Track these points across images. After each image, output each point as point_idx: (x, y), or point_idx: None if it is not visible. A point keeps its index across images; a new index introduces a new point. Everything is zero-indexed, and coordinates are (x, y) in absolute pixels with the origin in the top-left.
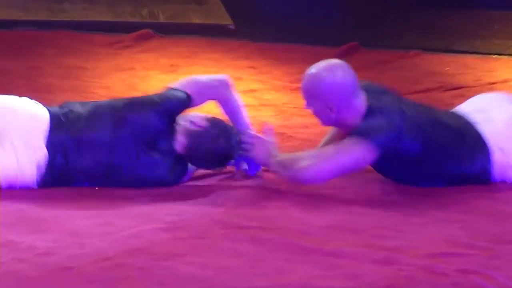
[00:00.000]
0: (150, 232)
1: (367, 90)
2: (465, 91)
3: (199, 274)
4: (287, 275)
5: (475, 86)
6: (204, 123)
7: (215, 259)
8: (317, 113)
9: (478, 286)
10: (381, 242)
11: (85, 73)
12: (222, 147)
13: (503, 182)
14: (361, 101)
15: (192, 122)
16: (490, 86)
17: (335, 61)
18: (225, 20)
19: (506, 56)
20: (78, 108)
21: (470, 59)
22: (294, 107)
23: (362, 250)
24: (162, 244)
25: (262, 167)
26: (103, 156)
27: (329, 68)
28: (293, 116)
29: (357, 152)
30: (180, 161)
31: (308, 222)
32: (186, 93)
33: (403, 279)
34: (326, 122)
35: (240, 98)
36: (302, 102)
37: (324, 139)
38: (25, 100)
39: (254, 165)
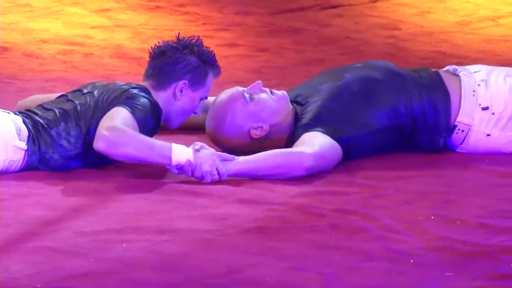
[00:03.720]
0: None
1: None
2: (344, 10)
3: (45, 215)
4: (144, 217)
5: (355, 5)
6: None
7: (66, 200)
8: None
9: (358, 227)
10: (248, 180)
11: None
12: None
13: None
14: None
15: None
16: (371, 5)
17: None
18: None
19: None
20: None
21: None
22: (152, 28)
23: (227, 188)
24: (9, 185)
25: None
26: None
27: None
28: (151, 39)
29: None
30: None
31: None
32: None
33: (275, 220)
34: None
35: None
36: (161, 22)
37: None
38: None
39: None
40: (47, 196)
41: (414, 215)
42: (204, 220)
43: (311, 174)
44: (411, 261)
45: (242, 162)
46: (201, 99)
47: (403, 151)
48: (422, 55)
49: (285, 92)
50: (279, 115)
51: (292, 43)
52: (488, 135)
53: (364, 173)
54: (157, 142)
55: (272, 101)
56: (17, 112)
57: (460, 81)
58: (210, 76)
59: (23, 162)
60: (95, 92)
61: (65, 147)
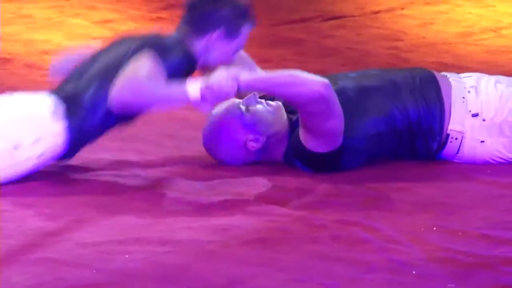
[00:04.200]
0: None
1: None
2: (346, 21)
3: (47, 226)
4: (146, 228)
5: (357, 16)
6: None
7: (68, 211)
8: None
9: (359, 238)
10: (249, 191)
11: None
12: None
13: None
14: None
15: None
16: (373, 17)
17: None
18: None
19: None
20: None
21: None
22: None
23: (229, 199)
24: (10, 196)
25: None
26: None
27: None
28: None
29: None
30: None
31: (168, 170)
32: None
33: (276, 231)
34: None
35: None
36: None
37: None
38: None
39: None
40: (49, 207)
41: (416, 226)
42: (206, 231)
43: (324, 98)
44: (413, 272)
45: (254, 73)
46: (237, 49)
47: (400, 156)
48: (424, 66)
49: (280, 103)
50: (275, 126)
51: (294, 54)
52: (482, 141)
53: (365, 184)
54: (172, 89)
55: (268, 113)
56: (48, 93)
57: (451, 86)
58: (245, 27)
59: (66, 143)
60: (125, 45)
61: (98, 107)
